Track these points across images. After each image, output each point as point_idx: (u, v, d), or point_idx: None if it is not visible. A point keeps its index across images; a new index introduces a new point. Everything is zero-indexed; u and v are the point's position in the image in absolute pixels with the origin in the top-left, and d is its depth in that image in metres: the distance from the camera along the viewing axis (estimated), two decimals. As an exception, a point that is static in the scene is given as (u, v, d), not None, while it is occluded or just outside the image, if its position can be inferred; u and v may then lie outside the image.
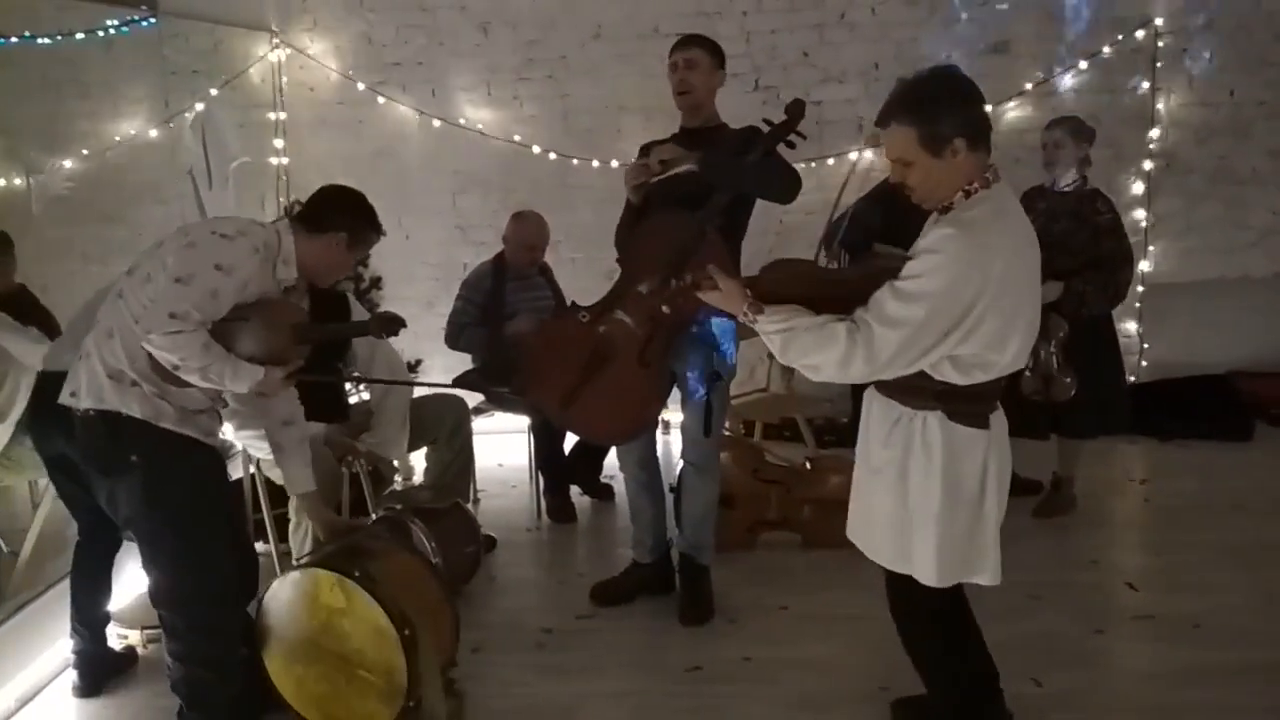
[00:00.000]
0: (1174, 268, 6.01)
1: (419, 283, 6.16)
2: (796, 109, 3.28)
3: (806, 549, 4.24)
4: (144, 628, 3.52)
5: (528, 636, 3.61)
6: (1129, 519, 4.67)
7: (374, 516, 3.76)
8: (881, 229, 4.24)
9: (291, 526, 3.67)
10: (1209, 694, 3.06)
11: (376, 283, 6.09)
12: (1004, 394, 2.46)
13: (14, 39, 3.85)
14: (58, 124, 4.25)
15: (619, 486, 4.64)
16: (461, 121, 6.02)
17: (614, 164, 5.87)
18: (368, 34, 5.98)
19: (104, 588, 3.34)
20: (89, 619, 3.29)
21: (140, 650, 3.52)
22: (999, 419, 2.45)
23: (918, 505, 2.42)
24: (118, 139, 4.47)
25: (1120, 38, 5.75)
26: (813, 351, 2.35)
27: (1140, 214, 5.89)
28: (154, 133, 4.62)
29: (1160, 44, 5.77)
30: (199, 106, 4.98)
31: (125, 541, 3.26)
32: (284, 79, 5.93)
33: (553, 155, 6.01)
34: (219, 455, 2.99)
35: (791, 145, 3.33)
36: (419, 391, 4.46)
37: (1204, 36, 5.78)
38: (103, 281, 3.16)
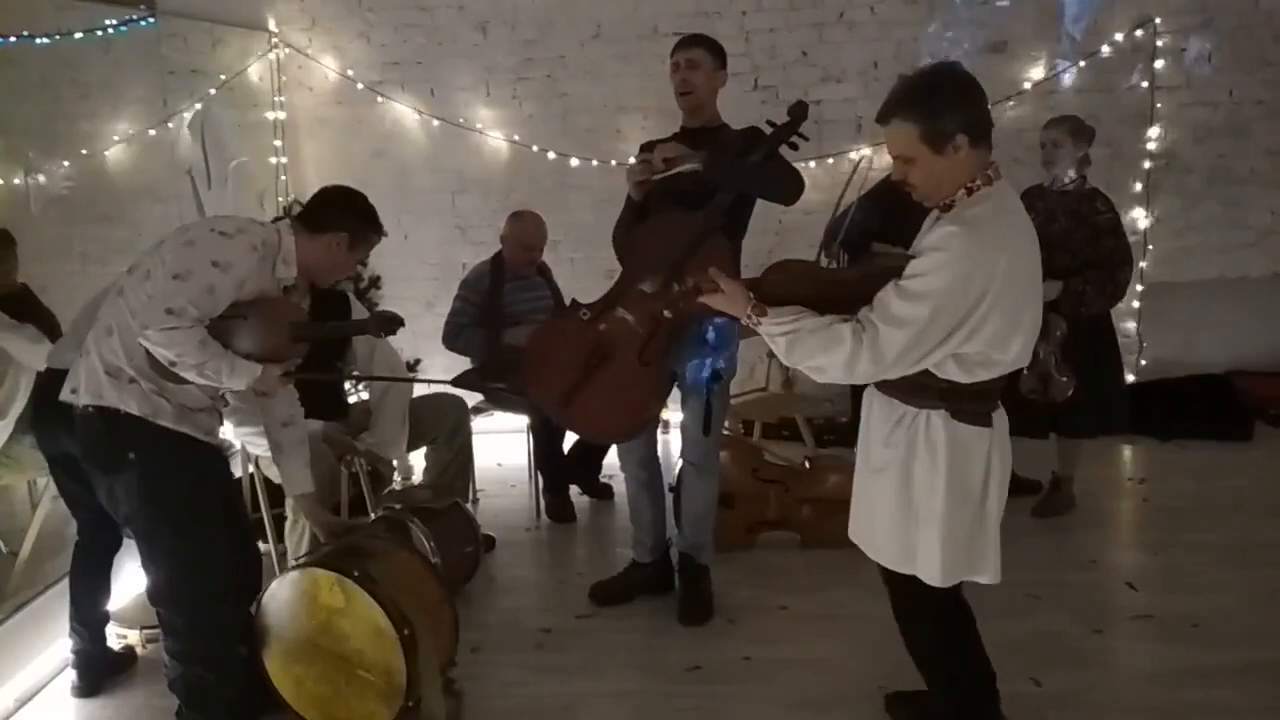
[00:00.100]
0: (1173, 267, 6.00)
1: (418, 282, 6.16)
2: (799, 110, 3.28)
3: (806, 549, 4.24)
4: (143, 627, 3.53)
5: (527, 636, 3.61)
6: (1128, 519, 4.67)
7: (373, 516, 3.76)
8: (881, 227, 4.24)
9: (288, 525, 3.67)
10: (1208, 694, 3.06)
11: (375, 282, 6.09)
12: (1003, 393, 2.46)
13: (12, 39, 3.85)
14: (56, 124, 4.25)
15: (618, 486, 4.65)
16: (460, 121, 6.02)
17: (613, 163, 5.87)
18: (366, 34, 5.98)
19: (103, 587, 3.34)
20: (88, 619, 3.30)
21: (139, 650, 3.52)
22: (1000, 417, 2.45)
23: (921, 505, 2.42)
24: (116, 139, 4.47)
25: (1119, 37, 5.75)
26: (818, 353, 2.34)
27: (1139, 213, 5.89)
28: (153, 132, 4.62)
29: (1159, 43, 5.77)
30: (198, 106, 4.97)
31: (124, 541, 3.27)
32: (283, 79, 5.93)
33: (552, 155, 6.01)
34: (219, 453, 2.99)
35: (794, 147, 3.33)
36: (418, 391, 4.46)
37: (1203, 36, 5.77)
38: (102, 281, 3.16)
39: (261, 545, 3.83)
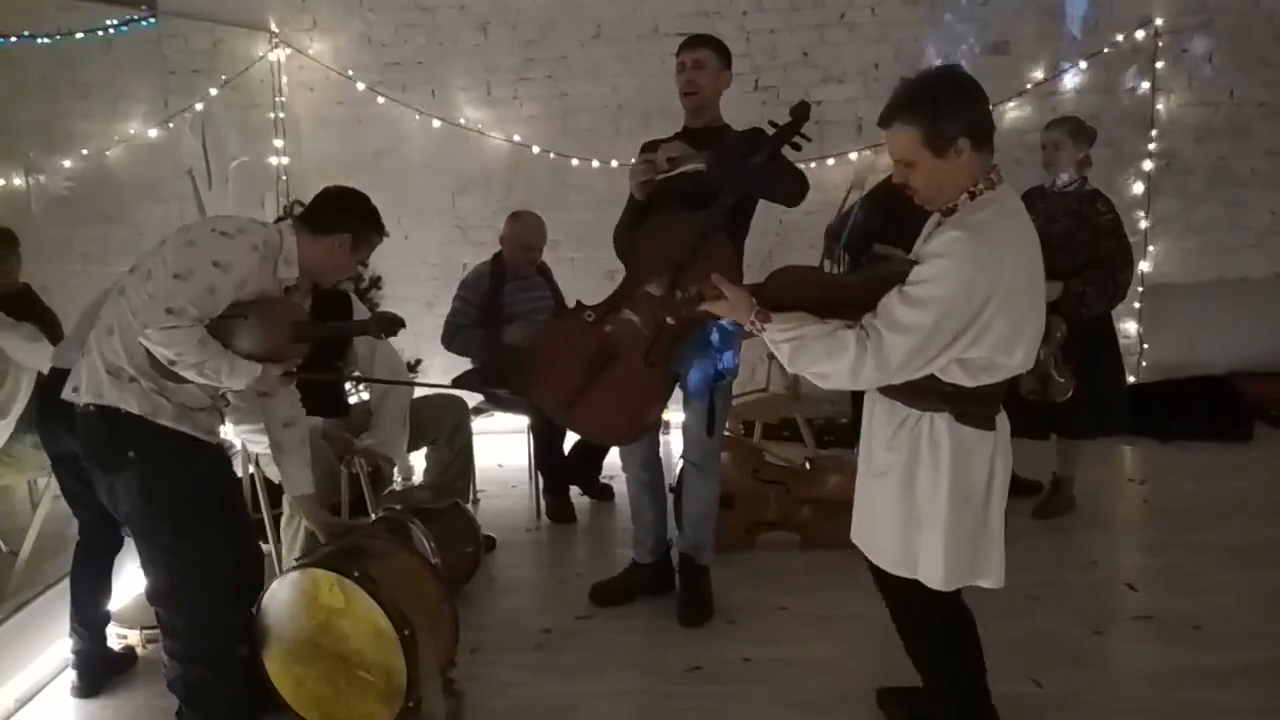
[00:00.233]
0: (1174, 268, 6.01)
1: (419, 282, 6.16)
2: (801, 111, 3.27)
3: (806, 549, 4.24)
4: (143, 628, 3.52)
5: (527, 637, 3.61)
6: (1128, 520, 4.67)
7: (373, 516, 3.76)
8: (882, 228, 4.25)
9: (284, 520, 3.68)
10: (1209, 694, 3.06)
11: (376, 282, 6.09)
12: (1004, 395, 2.46)
13: (13, 39, 3.85)
14: (57, 124, 4.25)
15: (618, 487, 4.65)
16: (461, 121, 6.02)
17: (614, 164, 5.87)
18: (367, 34, 5.98)
19: (104, 588, 3.34)
20: (88, 619, 3.30)
21: (139, 650, 3.52)
22: (1003, 420, 2.45)
23: (924, 508, 2.41)
24: (117, 139, 4.47)
25: (1120, 38, 5.75)
26: (822, 360, 2.33)
27: (1140, 214, 5.89)
28: (154, 132, 4.62)
29: (1160, 44, 5.77)
30: (199, 106, 4.98)
31: (125, 542, 3.27)
32: (283, 79, 5.93)
33: (552, 155, 6.01)
34: (220, 453, 2.99)
35: (797, 147, 3.32)
36: (419, 391, 4.46)
37: (1204, 37, 5.78)
38: (103, 281, 3.16)
39: (263, 545, 3.85)
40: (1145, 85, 5.82)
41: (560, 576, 4.21)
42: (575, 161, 5.99)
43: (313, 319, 3.24)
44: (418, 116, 6.02)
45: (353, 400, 4.46)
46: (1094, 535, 4.37)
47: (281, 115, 5.89)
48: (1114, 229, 4.18)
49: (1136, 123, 5.85)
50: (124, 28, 4.35)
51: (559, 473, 4.89)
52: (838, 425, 5.64)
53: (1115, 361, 4.49)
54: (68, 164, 4.12)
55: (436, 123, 6.01)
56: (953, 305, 2.21)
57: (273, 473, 3.52)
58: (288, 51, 5.94)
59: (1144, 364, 6.02)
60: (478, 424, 4.76)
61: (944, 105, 2.25)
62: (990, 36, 5.82)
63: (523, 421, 4.88)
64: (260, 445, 3.55)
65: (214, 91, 5.17)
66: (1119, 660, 3.36)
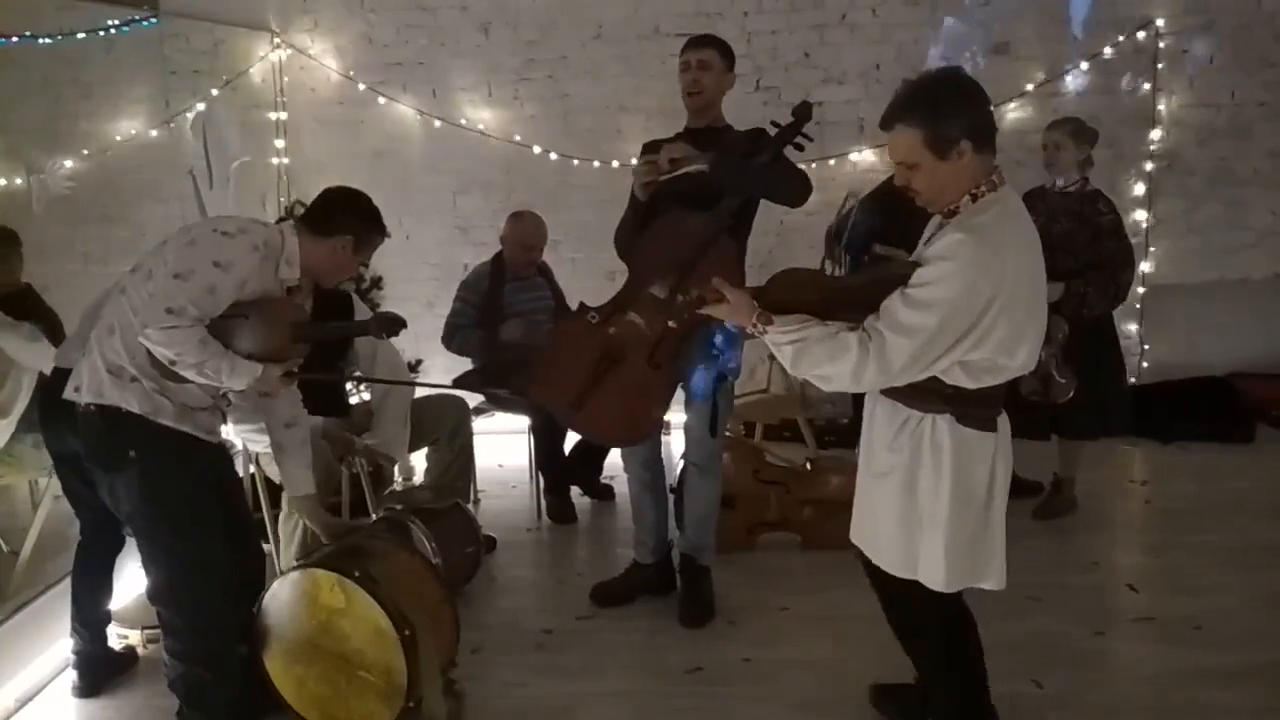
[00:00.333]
0: (1175, 269, 6.00)
1: (419, 283, 6.16)
2: (804, 111, 3.27)
3: (807, 550, 4.24)
4: (144, 628, 3.52)
5: (527, 637, 3.61)
6: (1130, 520, 4.67)
7: (374, 516, 3.76)
8: (883, 229, 4.25)
9: (281, 517, 3.68)
10: (1209, 695, 3.06)
11: (377, 283, 6.09)
12: (1005, 396, 2.46)
13: (15, 39, 3.85)
14: (58, 124, 4.25)
15: (619, 487, 4.65)
16: (462, 122, 6.02)
17: (614, 164, 5.87)
18: (368, 34, 5.98)
19: (105, 588, 3.34)
20: (89, 619, 3.30)
21: (140, 650, 3.52)
22: (1004, 421, 2.45)
23: (926, 509, 2.41)
24: (119, 139, 4.47)
25: (1121, 39, 5.75)
26: (824, 363, 2.33)
27: (1141, 215, 5.89)
28: (155, 133, 4.62)
29: (1161, 45, 5.77)
30: (200, 106, 4.98)
31: (126, 542, 3.27)
32: (285, 79, 5.93)
33: (553, 155, 6.01)
34: (222, 452, 2.99)
35: (800, 147, 3.32)
36: (420, 392, 4.47)
37: (1205, 37, 5.77)
38: (104, 281, 3.17)
39: (265, 546, 3.86)
40: (1146, 86, 5.82)
41: (561, 577, 4.21)
42: (576, 162, 5.99)
43: (314, 319, 3.24)
44: (419, 117, 6.02)
45: (354, 400, 4.46)
46: (1095, 536, 4.37)
47: (283, 115, 5.89)
48: (1115, 229, 4.18)
49: (1138, 123, 5.85)
50: (125, 28, 4.36)
51: (560, 473, 4.89)
52: (838, 426, 5.64)
53: (1116, 362, 4.49)
54: (69, 164, 4.13)
55: (437, 123, 6.01)
56: (955, 307, 2.21)
57: (273, 472, 3.52)
58: (289, 52, 5.94)
59: (1145, 365, 6.01)
60: (478, 424, 4.76)
61: (945, 107, 2.25)
62: (991, 37, 5.81)
63: (523, 422, 4.88)
64: (260, 445, 3.55)
65: (215, 92, 5.17)
66: (1120, 661, 3.36)
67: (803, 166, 3.45)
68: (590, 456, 5.05)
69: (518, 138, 6.02)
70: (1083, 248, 4.14)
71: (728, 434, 4.09)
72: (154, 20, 4.46)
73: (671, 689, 3.23)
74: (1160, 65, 5.79)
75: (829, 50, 5.88)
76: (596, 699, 3.19)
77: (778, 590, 3.89)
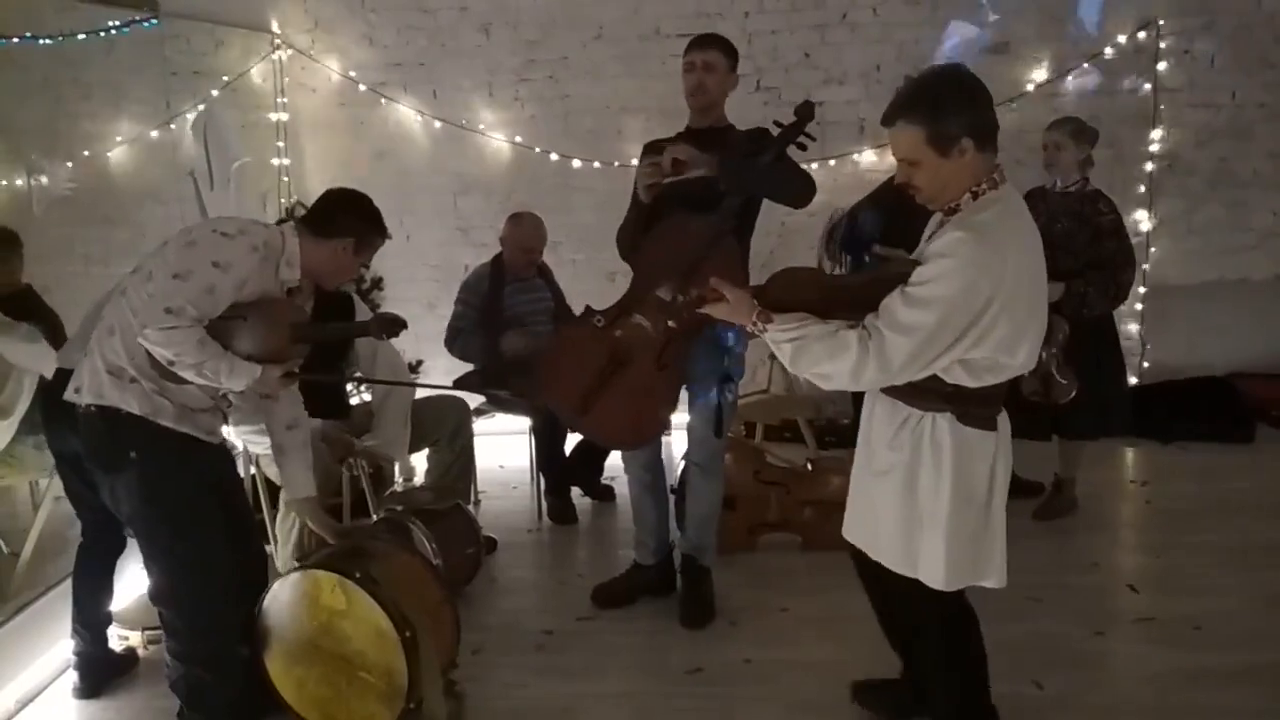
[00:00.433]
0: (1175, 270, 6.00)
1: (420, 284, 6.16)
2: (806, 110, 3.26)
3: (807, 551, 4.24)
4: (145, 629, 3.53)
5: (528, 638, 3.61)
6: (1130, 521, 4.67)
7: (375, 517, 3.76)
8: (884, 229, 4.24)
9: (279, 517, 3.68)
10: (1210, 696, 3.06)
11: (378, 283, 6.09)
12: (1005, 395, 2.46)
13: (15, 40, 3.85)
14: (59, 125, 4.25)
15: (620, 488, 4.64)
16: (463, 122, 6.02)
17: (615, 165, 5.87)
18: (369, 35, 5.99)
19: (106, 589, 3.34)
20: (90, 620, 3.30)
21: (141, 651, 3.52)
22: (1004, 420, 2.45)
23: (926, 508, 2.41)
24: (119, 140, 4.47)
25: (1122, 39, 5.75)
26: (824, 361, 2.33)
27: (1141, 215, 5.89)
28: (155, 134, 4.62)
29: (1162, 45, 5.77)
30: (200, 107, 4.98)
31: (128, 543, 3.27)
32: (285, 80, 5.93)
33: (554, 156, 6.01)
34: (223, 453, 2.99)
35: (802, 147, 3.32)
36: (420, 393, 4.47)
37: (1205, 38, 5.77)
38: (105, 282, 3.16)
39: (266, 547, 3.86)
40: (1147, 86, 5.82)
41: (561, 578, 4.21)
42: (577, 162, 5.99)
43: (315, 319, 3.24)
44: (419, 118, 6.02)
45: (354, 401, 4.46)
46: (1095, 536, 4.37)
47: (283, 116, 5.89)
48: (1116, 230, 4.18)
49: (1138, 124, 5.85)
50: (126, 29, 4.36)
51: (560, 474, 4.89)
52: (839, 426, 5.64)
53: (1117, 362, 4.49)
54: (69, 165, 4.13)
55: (438, 124, 6.01)
56: (955, 305, 2.21)
57: (273, 473, 3.52)
58: (289, 53, 5.94)
59: (1145, 365, 6.01)
60: (479, 425, 4.76)
61: (947, 105, 2.25)
62: (991, 37, 5.81)
63: (524, 423, 4.88)
64: (261, 447, 3.55)
65: (216, 93, 5.17)
66: (1120, 661, 3.36)
67: (804, 167, 3.44)
68: (591, 457, 5.05)
69: (518, 138, 6.02)
70: (1083, 248, 4.14)
71: (729, 435, 4.09)
72: (154, 21, 4.46)
73: (672, 690, 3.23)
74: (1161, 66, 5.79)
75: (830, 50, 5.88)
76: (597, 700, 3.19)
77: (778, 591, 3.89)
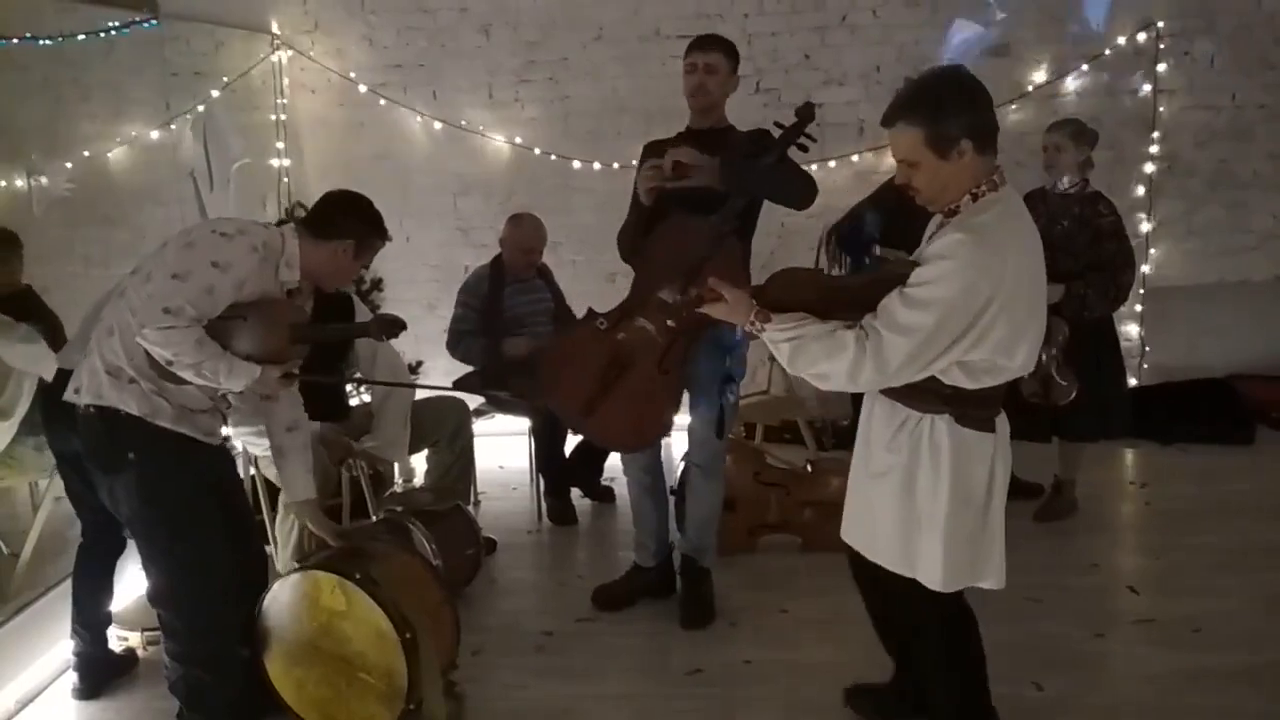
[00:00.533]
0: (1175, 271, 6.01)
1: (420, 284, 6.16)
2: (807, 111, 3.26)
3: (807, 552, 4.24)
4: (144, 630, 3.52)
5: (528, 639, 3.61)
6: (1130, 522, 4.67)
7: (374, 519, 3.76)
8: (884, 229, 4.25)
9: (278, 519, 3.67)
10: (1210, 698, 3.06)
11: (377, 284, 6.09)
12: (1004, 397, 2.46)
13: (15, 40, 3.85)
14: (59, 125, 4.25)
15: (619, 489, 4.64)
16: (463, 123, 6.02)
17: (615, 166, 5.87)
18: (369, 36, 5.99)
19: (106, 589, 3.34)
20: (90, 620, 3.30)
21: (140, 652, 3.52)
22: (1003, 422, 2.45)
23: (924, 509, 2.41)
24: (119, 140, 4.47)
25: (1121, 40, 5.75)
26: (821, 360, 2.33)
27: (1141, 217, 5.89)
28: (155, 134, 4.62)
29: (1161, 46, 5.77)
30: (200, 108, 4.98)
31: (128, 544, 3.27)
32: (285, 81, 5.93)
33: (554, 157, 6.01)
34: (222, 453, 2.98)
35: (804, 149, 3.31)
36: (420, 393, 4.46)
37: (1205, 39, 5.78)
38: (104, 283, 3.16)
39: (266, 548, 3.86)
40: (1147, 88, 5.83)
41: (561, 579, 4.21)
42: (577, 163, 5.99)
43: (315, 320, 3.24)
44: (419, 118, 6.02)
45: (354, 402, 4.46)
46: (1095, 538, 4.37)
47: (283, 117, 5.89)
48: (1116, 231, 4.18)
49: (1138, 125, 5.85)
50: (125, 30, 4.35)
51: (560, 475, 4.89)
52: (839, 427, 5.64)
53: (1117, 364, 4.49)
54: (69, 166, 4.13)
55: (438, 125, 6.01)
56: (953, 307, 2.21)
57: (273, 474, 3.52)
58: (289, 53, 5.94)
59: (1145, 366, 6.02)
60: (479, 426, 4.76)
61: (947, 106, 2.25)
62: (991, 39, 5.81)
63: (524, 424, 4.88)
64: (259, 448, 3.55)
65: (215, 93, 5.17)
66: (1120, 663, 3.36)
67: (804, 168, 3.44)
68: (590, 458, 5.05)
69: (518, 139, 6.02)
70: (1083, 249, 4.14)
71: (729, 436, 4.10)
72: (154, 22, 4.46)
73: (672, 691, 3.23)
74: (1161, 67, 5.79)
75: (829, 52, 5.88)
76: (597, 701, 3.19)
77: (778, 592, 3.89)
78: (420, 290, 6.14)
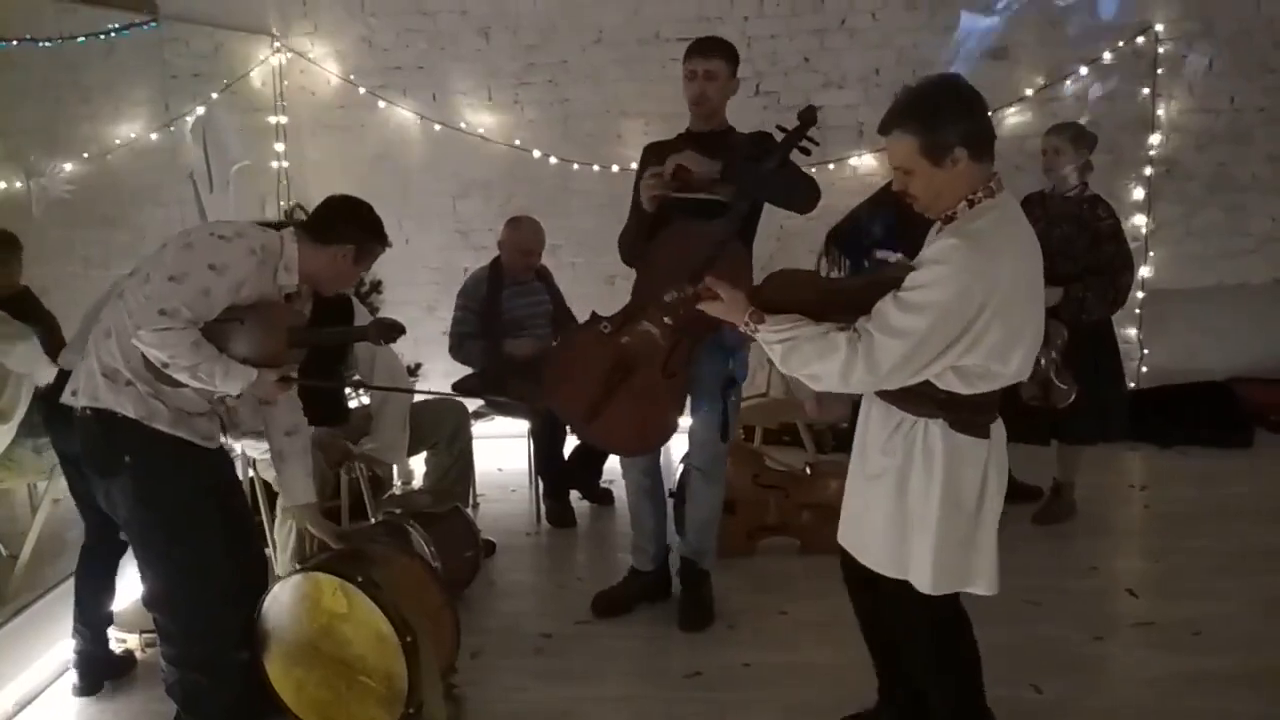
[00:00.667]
0: (1174, 274, 6.01)
1: (419, 287, 6.15)
2: (809, 114, 3.26)
3: (806, 554, 4.24)
4: (142, 632, 3.52)
5: (527, 641, 3.61)
6: (1129, 525, 4.67)
7: (373, 520, 3.76)
8: (884, 233, 4.25)
9: (277, 522, 3.67)
10: (1209, 700, 3.06)
11: (377, 287, 6.09)
12: (1003, 400, 2.46)
13: (15, 42, 3.86)
14: (58, 127, 4.25)
15: (618, 491, 4.64)
16: (462, 126, 6.02)
17: (615, 169, 5.87)
18: (369, 38, 5.99)
19: (108, 589, 3.34)
20: (91, 619, 3.30)
21: (138, 655, 3.52)
22: (998, 428, 2.45)
23: (916, 512, 2.41)
24: (118, 142, 4.47)
25: (1120, 44, 5.76)
26: (814, 361, 2.34)
27: (1140, 220, 5.90)
28: (155, 136, 4.62)
29: (1160, 50, 5.77)
30: (200, 110, 4.98)
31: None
32: (285, 83, 5.93)
33: (553, 160, 6.01)
34: (221, 456, 2.97)
35: (806, 152, 3.31)
36: (419, 396, 4.46)
37: (1204, 42, 5.78)
38: (103, 285, 3.16)
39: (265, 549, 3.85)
40: (1146, 91, 5.83)
41: (560, 581, 4.21)
42: (576, 166, 5.99)
43: (314, 323, 3.24)
44: (419, 121, 6.02)
45: (353, 405, 4.46)
46: (1094, 541, 4.37)
47: (282, 119, 5.89)
48: (1114, 234, 4.18)
49: (1137, 128, 5.86)
50: (125, 31, 4.36)
51: (559, 477, 4.89)
52: (838, 430, 5.63)
53: (1115, 367, 4.49)
54: (69, 167, 4.13)
55: (437, 127, 6.01)
56: (947, 311, 2.21)
57: (271, 476, 3.51)
58: (289, 55, 5.94)
59: (1144, 369, 6.02)
60: (478, 428, 4.75)
61: (942, 115, 2.25)
62: (990, 42, 5.81)
63: (523, 426, 4.88)
64: (258, 451, 3.54)
65: (215, 95, 5.17)
66: (1119, 666, 3.36)
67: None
68: (589, 461, 5.05)
69: (518, 142, 6.02)
70: (1082, 253, 4.14)
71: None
72: (154, 24, 4.46)
73: (671, 694, 3.23)
74: (1159, 70, 5.80)
75: (829, 55, 5.89)
76: (596, 703, 3.19)
77: (777, 595, 3.90)
78: (419, 292, 6.14)
